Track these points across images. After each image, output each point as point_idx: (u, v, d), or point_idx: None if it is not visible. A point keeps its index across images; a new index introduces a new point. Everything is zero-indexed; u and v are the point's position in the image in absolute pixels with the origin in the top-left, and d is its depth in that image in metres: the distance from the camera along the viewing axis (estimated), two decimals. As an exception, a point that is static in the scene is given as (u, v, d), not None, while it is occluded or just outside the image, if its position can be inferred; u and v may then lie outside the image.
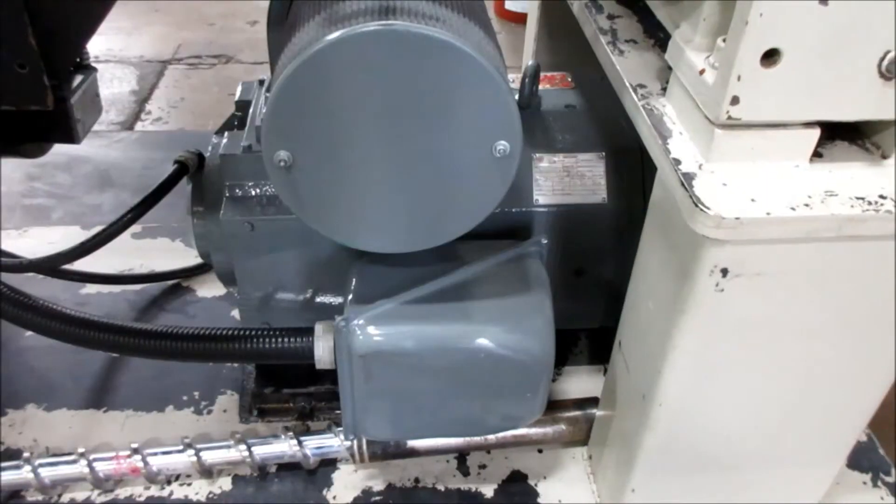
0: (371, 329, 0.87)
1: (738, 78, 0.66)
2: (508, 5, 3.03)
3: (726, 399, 0.88)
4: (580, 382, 1.27)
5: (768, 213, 0.67)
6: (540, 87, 1.12)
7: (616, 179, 1.06)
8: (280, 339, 0.96)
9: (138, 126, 2.34)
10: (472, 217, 0.81)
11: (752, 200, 0.68)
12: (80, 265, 1.31)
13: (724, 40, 0.68)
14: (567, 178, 1.05)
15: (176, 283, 1.47)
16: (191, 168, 1.12)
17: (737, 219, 0.67)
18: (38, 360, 1.29)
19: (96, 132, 2.00)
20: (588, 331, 1.35)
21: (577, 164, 1.06)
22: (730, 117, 0.68)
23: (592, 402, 1.14)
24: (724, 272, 0.73)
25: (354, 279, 0.93)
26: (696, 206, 0.67)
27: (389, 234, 0.82)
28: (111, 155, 1.89)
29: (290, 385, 1.23)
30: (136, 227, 1.42)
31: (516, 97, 1.07)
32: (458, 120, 0.73)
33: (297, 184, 0.77)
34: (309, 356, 0.94)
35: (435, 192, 0.79)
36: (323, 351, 0.92)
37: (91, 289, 1.44)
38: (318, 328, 0.94)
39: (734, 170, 0.71)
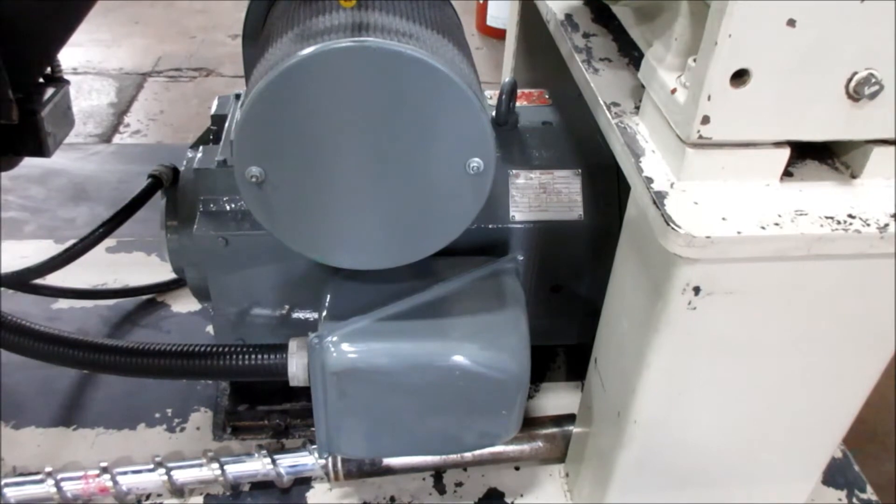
0: (345, 346, 0.86)
1: (709, 98, 0.67)
2: (490, 21, 3.05)
3: (700, 416, 0.88)
4: (558, 399, 1.27)
5: (739, 232, 0.68)
6: (518, 103, 1.12)
7: (592, 196, 1.06)
8: (254, 356, 0.95)
9: (117, 138, 2.32)
10: (446, 234, 0.81)
11: (723, 219, 0.69)
12: (53, 279, 1.29)
13: (694, 60, 0.69)
14: (543, 195, 1.06)
15: (150, 298, 1.45)
16: (165, 182, 1.11)
17: (707, 237, 0.67)
18: (6, 376, 1.27)
19: (72, 144, 1.98)
20: (566, 347, 1.35)
21: (553, 181, 1.06)
22: (701, 136, 0.69)
23: (570, 418, 1.14)
24: (697, 290, 0.73)
25: (329, 295, 0.92)
26: (668, 224, 0.68)
27: (363, 250, 0.82)
28: (87, 168, 1.87)
29: (264, 402, 1.21)
30: (110, 242, 1.40)
31: (493, 114, 1.08)
32: (430, 136, 0.73)
33: (269, 200, 0.76)
34: (283, 373, 0.93)
35: (409, 208, 0.78)
36: (297, 368, 0.92)
37: (63, 304, 1.41)
38: (293, 345, 0.93)
39: (705, 188, 0.72)
